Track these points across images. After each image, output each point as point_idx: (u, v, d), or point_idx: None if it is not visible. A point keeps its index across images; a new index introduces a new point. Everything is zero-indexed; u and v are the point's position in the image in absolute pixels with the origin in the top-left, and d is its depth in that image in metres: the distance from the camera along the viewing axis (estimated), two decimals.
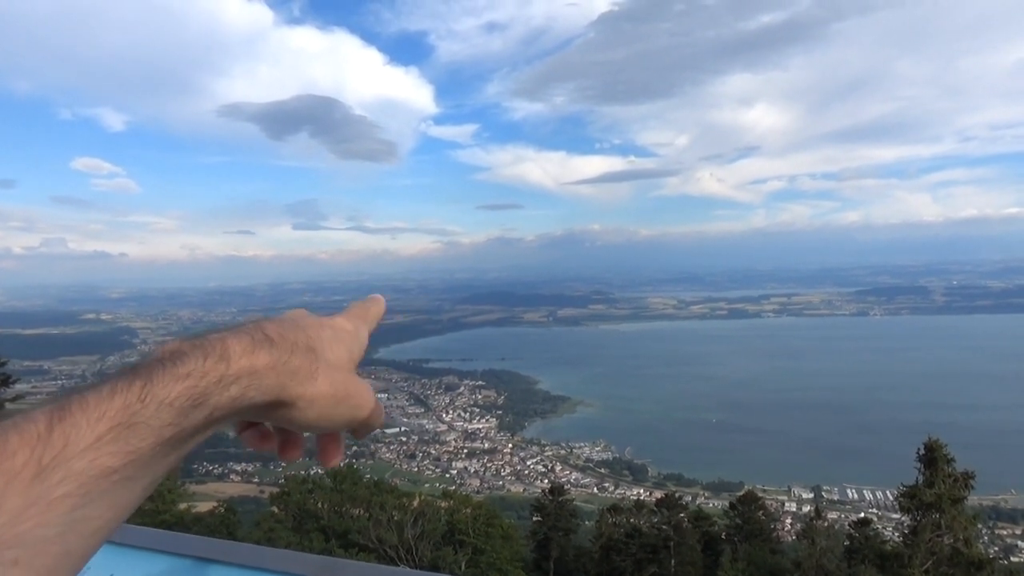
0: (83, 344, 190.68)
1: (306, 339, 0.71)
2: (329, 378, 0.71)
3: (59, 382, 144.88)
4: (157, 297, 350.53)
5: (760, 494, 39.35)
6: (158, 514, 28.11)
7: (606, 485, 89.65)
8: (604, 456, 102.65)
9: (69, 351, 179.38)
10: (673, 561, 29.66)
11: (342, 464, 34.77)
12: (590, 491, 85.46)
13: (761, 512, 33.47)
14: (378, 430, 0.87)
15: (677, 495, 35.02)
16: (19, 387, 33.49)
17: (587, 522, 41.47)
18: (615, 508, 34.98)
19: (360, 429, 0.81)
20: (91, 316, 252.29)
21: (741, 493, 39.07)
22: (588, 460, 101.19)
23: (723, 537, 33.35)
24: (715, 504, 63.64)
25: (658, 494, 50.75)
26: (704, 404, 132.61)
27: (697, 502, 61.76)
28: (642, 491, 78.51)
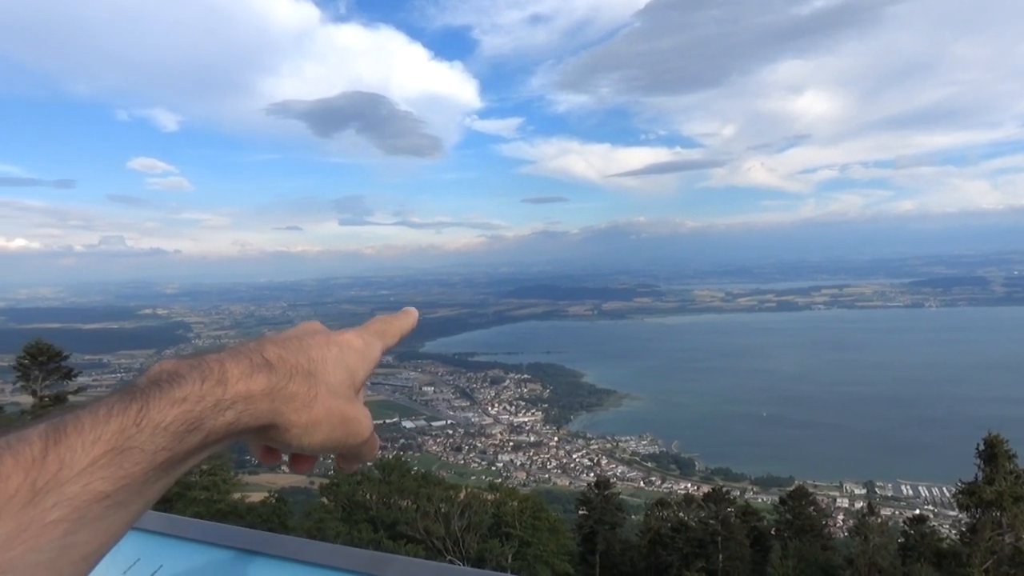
0: (141, 338, 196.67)
1: (307, 361, 0.71)
2: (326, 405, 0.70)
3: (118, 375, 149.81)
4: (210, 292, 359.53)
5: (811, 489, 38.70)
6: (213, 503, 28.90)
7: (652, 479, 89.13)
8: (651, 450, 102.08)
9: (127, 345, 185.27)
10: (721, 556, 29.35)
11: (390, 456, 35.28)
12: (636, 485, 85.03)
13: (812, 508, 32.89)
14: (369, 459, 0.84)
15: (725, 489, 34.61)
16: (81, 380, 34.75)
17: (633, 516, 41.32)
18: (662, 502, 34.79)
19: (349, 457, 0.81)
20: (148, 311, 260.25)
21: (791, 488, 38.40)
22: (634, 454, 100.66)
23: (772, 533, 32.88)
24: (764, 499, 62.92)
25: (706, 488, 50.21)
26: (754, 397, 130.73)
27: (746, 497, 60.85)
28: (689, 485, 78.20)
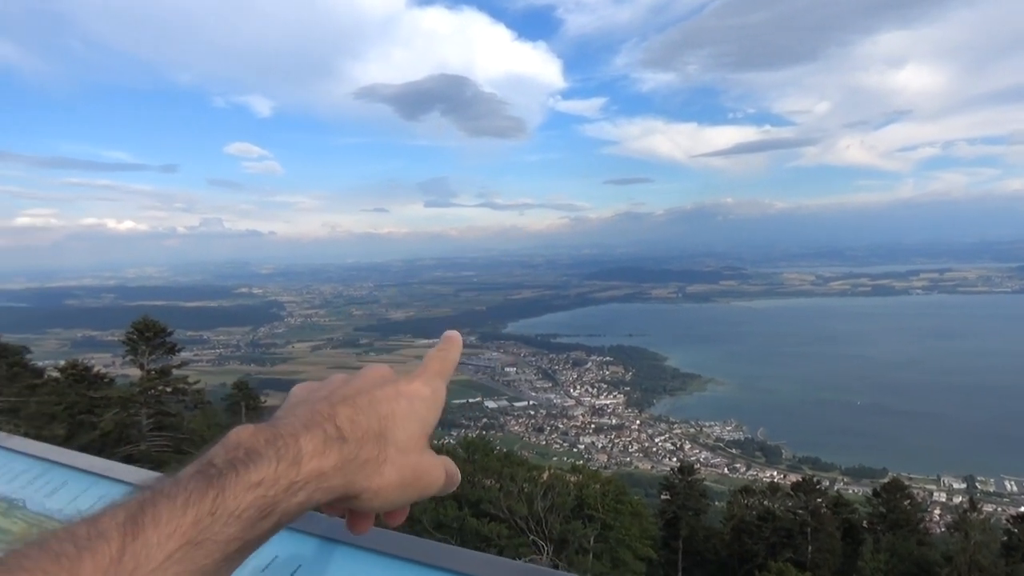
0: (237, 316, 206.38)
1: (378, 422, 0.71)
2: (397, 465, 0.71)
3: (216, 351, 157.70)
4: (302, 272, 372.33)
5: (906, 482, 37.26)
6: None
7: (737, 466, 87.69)
8: (735, 436, 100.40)
9: (225, 322, 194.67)
10: (810, 548, 28.68)
11: (473, 435, 35.82)
12: (720, 471, 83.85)
13: (907, 501, 31.66)
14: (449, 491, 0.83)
15: (814, 479, 33.75)
16: (183, 355, 36.81)
17: (717, 503, 40.75)
18: (747, 490, 34.28)
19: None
20: (244, 290, 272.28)
21: (885, 480, 37.09)
22: (718, 439, 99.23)
23: (865, 526, 31.88)
24: (855, 491, 60.88)
25: (793, 477, 49.03)
26: (847, 385, 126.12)
27: (836, 488, 59.01)
28: (775, 474, 76.75)
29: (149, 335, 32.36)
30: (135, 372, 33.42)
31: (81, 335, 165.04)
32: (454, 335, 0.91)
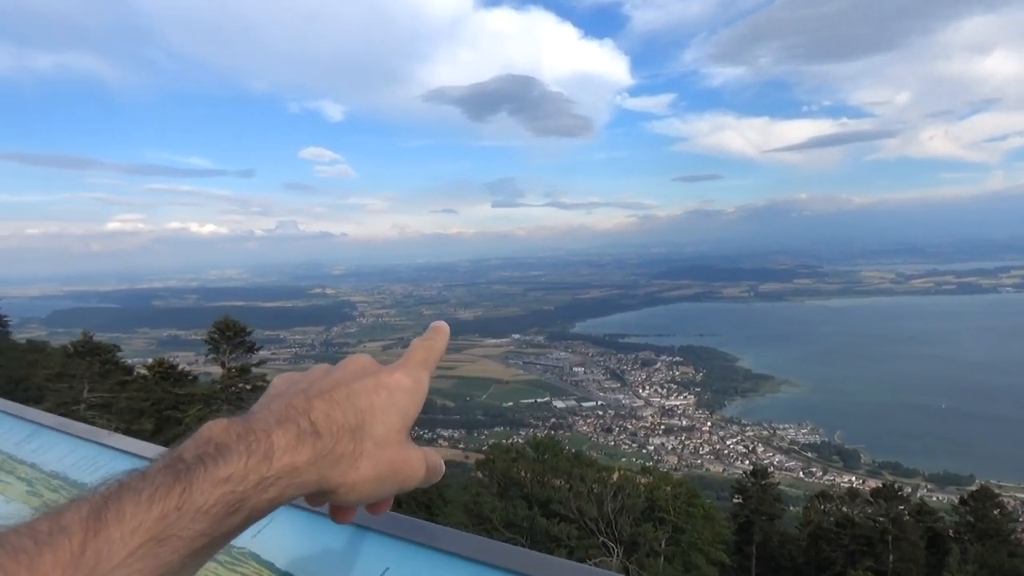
0: (312, 316, 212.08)
1: (355, 415, 0.70)
2: (374, 460, 0.70)
3: (292, 350, 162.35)
4: (373, 273, 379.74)
5: (996, 490, 35.44)
6: None
7: (813, 470, 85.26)
8: (811, 439, 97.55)
9: (300, 322, 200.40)
10: (892, 557, 27.62)
11: (541, 434, 35.85)
12: (795, 475, 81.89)
13: (998, 510, 30.14)
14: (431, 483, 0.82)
15: (896, 485, 32.53)
16: (262, 353, 38.05)
17: (792, 508, 39.83)
18: (824, 495, 33.41)
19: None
20: (318, 291, 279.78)
21: (973, 487, 35.39)
22: (793, 443, 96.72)
23: (951, 535, 30.53)
24: (940, 498, 58.37)
25: (872, 483, 47.53)
26: (930, 387, 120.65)
27: (919, 494, 56.72)
28: (854, 479, 74.07)
29: (230, 334, 33.66)
30: (217, 370, 34.84)
31: (167, 334, 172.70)
32: (442, 325, 0.90)
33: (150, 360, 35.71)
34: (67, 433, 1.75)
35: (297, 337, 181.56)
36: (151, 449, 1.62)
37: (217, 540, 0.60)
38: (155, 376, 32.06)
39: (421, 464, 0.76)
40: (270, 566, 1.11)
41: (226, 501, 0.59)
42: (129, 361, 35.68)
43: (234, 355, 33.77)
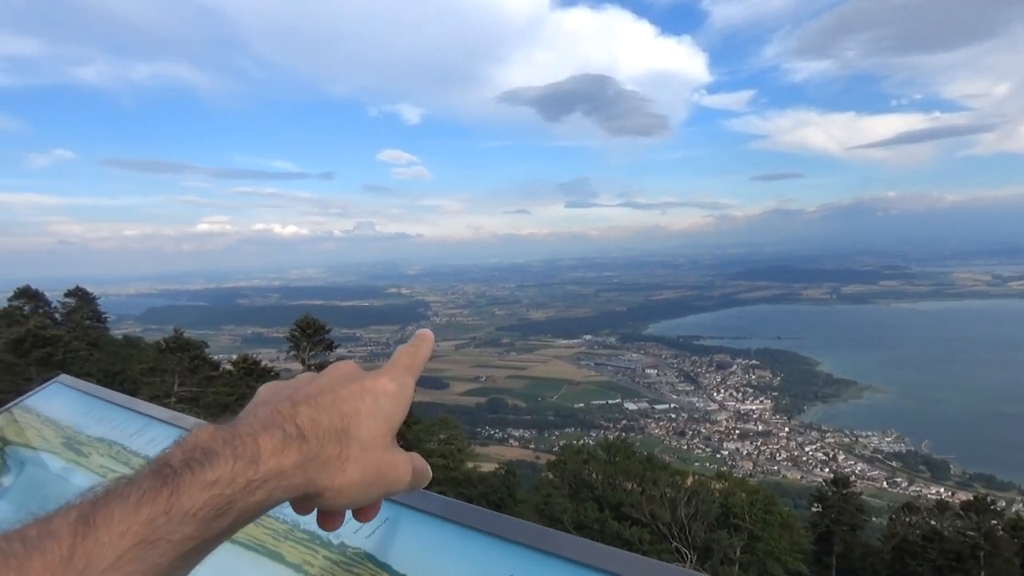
0: (387, 315, 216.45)
1: (340, 419, 0.71)
2: (360, 463, 0.71)
3: (368, 348, 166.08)
4: (447, 273, 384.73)
5: None
6: (449, 470, 31.11)
7: (898, 480, 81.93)
8: (896, 448, 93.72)
9: (376, 321, 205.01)
10: (983, 573, 26.32)
11: (612, 436, 35.62)
12: (878, 485, 78.86)
13: None
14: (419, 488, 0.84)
15: (988, 498, 30.93)
16: (339, 351, 39.23)
17: (875, 519, 38.57)
18: (910, 507, 32.14)
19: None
20: (393, 290, 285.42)
21: None
22: (876, 451, 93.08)
23: None
24: None
25: (963, 495, 45.44)
26: None
27: (1014, 508, 53.70)
28: (942, 490, 71.00)
29: (310, 332, 34.87)
30: (297, 366, 36.06)
31: (251, 331, 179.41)
32: (427, 333, 0.91)
33: (235, 356, 37.32)
34: (178, 427, 1.76)
35: (373, 336, 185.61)
36: None
37: (206, 542, 0.60)
38: (240, 372, 33.50)
39: (407, 468, 0.77)
40: (386, 567, 1.12)
41: (214, 504, 0.59)
42: (216, 357, 37.30)
43: (313, 352, 34.98)
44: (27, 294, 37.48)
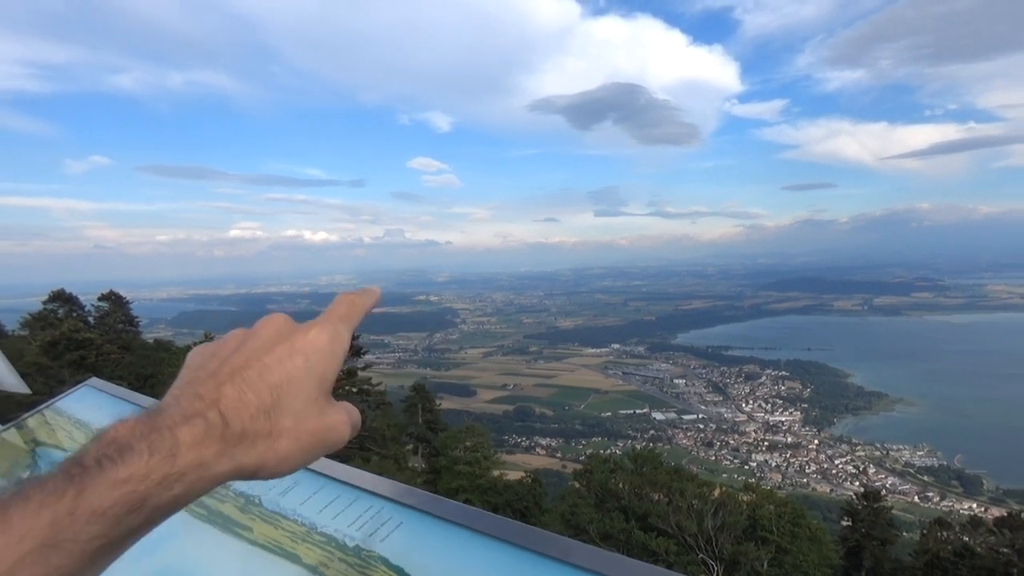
0: (416, 322, 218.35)
1: (268, 394, 0.67)
2: (294, 435, 0.68)
3: (396, 355, 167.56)
4: (475, 281, 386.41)
5: None
6: (476, 478, 31.51)
7: (929, 495, 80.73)
8: (928, 462, 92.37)
9: (405, 328, 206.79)
10: None
11: (640, 446, 35.79)
12: (910, 500, 77.89)
13: None
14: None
15: (1023, 515, 30.56)
16: (367, 358, 39.92)
17: (906, 533, 38.15)
18: (942, 522, 31.66)
19: None
20: (422, 297, 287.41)
21: None
22: (908, 465, 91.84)
23: None
24: None
25: (996, 511, 44.77)
26: None
27: None
28: (975, 506, 69.76)
29: None
30: None
31: None
32: (375, 288, 0.88)
33: None
34: None
35: (401, 342, 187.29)
36: None
37: (117, 541, 0.57)
38: None
39: (346, 427, 0.74)
40: (400, 571, 1.13)
41: (125, 502, 0.56)
42: None
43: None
44: (61, 297, 38.41)
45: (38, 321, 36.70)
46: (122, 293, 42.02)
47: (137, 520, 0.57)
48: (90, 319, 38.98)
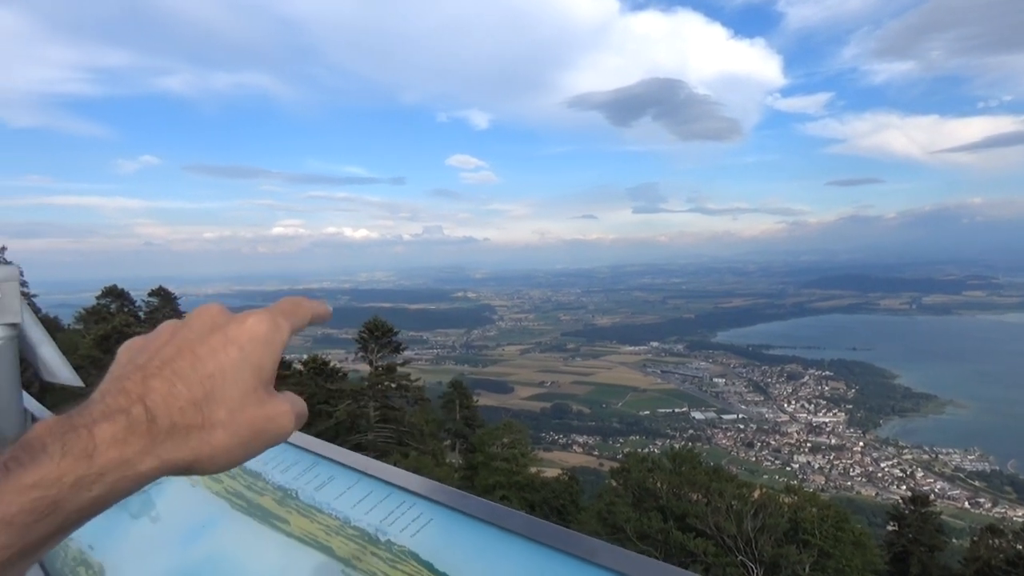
0: (453, 319, 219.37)
1: (199, 385, 0.62)
2: (230, 427, 0.63)
3: (435, 351, 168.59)
4: (513, 278, 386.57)
5: None
6: (513, 474, 31.35)
7: (980, 500, 78.54)
8: (979, 467, 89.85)
9: (443, 324, 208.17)
10: None
11: (678, 445, 35.22)
12: (959, 505, 75.87)
13: None
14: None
15: None
16: (406, 354, 40.07)
17: (955, 540, 37.00)
18: (994, 528, 30.62)
19: None
20: (460, 294, 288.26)
21: None
22: (958, 469, 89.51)
23: None
24: None
25: None
26: None
27: None
28: None
29: (378, 334, 35.76)
30: (365, 368, 37.01)
31: (321, 332, 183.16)
32: (326, 304, 0.82)
33: (305, 356, 38.48)
34: None
35: (439, 339, 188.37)
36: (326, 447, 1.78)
37: (30, 547, 0.52)
38: (310, 371, 34.58)
39: (289, 418, 0.69)
40: (429, 566, 1.15)
41: (33, 508, 0.52)
42: (287, 357, 38.47)
43: (381, 354, 35.86)
44: (113, 293, 39.49)
45: (91, 316, 37.74)
46: (170, 289, 42.95)
47: (50, 526, 0.53)
48: (140, 314, 39.88)
